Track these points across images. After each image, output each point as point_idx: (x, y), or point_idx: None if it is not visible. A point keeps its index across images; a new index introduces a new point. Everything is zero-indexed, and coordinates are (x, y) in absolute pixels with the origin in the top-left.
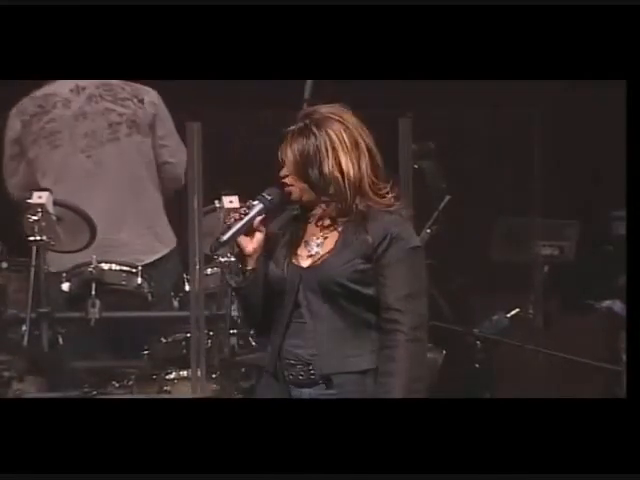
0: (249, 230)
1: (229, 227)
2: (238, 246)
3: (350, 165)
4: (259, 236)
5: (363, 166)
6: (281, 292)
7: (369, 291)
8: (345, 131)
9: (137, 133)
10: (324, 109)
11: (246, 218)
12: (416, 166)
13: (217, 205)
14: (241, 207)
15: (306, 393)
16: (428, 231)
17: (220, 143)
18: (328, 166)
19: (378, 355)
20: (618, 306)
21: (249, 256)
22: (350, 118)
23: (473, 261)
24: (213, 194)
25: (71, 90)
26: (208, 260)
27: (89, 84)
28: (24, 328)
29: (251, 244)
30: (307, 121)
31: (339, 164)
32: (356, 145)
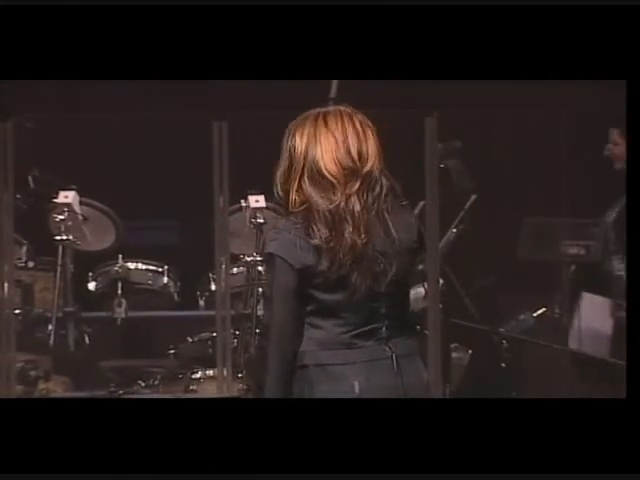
0: None
1: None
2: None
3: (280, 167)
4: None
5: (281, 169)
6: None
7: None
8: (288, 134)
9: None
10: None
11: None
12: (442, 165)
13: (243, 204)
14: None
15: None
16: (454, 230)
17: (246, 142)
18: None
19: None
20: None
21: None
22: (305, 124)
23: (499, 260)
24: (239, 193)
25: None
26: (234, 259)
27: None
28: (50, 327)
29: None
30: None
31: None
32: (286, 149)
